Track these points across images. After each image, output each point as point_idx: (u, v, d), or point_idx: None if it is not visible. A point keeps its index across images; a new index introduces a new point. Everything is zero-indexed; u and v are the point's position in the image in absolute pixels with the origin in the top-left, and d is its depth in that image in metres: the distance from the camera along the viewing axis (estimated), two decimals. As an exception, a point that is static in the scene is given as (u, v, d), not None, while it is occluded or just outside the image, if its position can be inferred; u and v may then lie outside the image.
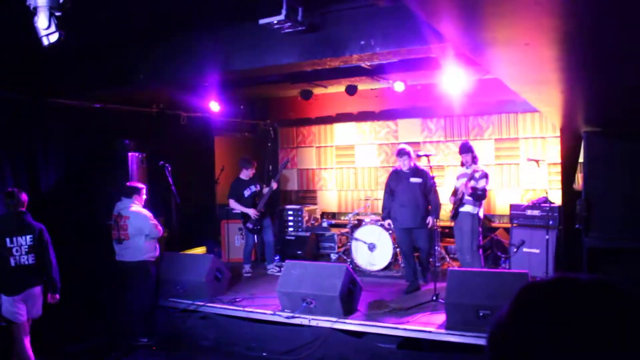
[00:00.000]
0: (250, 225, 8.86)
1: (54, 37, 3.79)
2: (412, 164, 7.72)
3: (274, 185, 8.97)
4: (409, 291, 7.55)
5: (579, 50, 2.31)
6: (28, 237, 5.60)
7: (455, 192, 7.83)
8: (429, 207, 7.73)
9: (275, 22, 5.29)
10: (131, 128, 8.48)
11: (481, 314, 5.65)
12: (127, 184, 7.14)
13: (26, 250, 5.58)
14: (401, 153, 7.71)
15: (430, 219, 7.68)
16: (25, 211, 5.75)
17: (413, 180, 7.68)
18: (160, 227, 6.95)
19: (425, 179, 7.68)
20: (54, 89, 7.37)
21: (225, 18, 6.15)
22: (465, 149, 7.80)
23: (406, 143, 10.91)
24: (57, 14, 3.76)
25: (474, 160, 7.69)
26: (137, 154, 7.94)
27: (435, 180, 7.72)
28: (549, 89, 3.57)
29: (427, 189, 7.70)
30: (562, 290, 0.94)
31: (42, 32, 3.78)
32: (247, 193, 8.89)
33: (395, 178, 7.82)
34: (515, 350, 0.91)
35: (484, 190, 7.49)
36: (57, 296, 5.86)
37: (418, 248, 7.89)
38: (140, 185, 7.12)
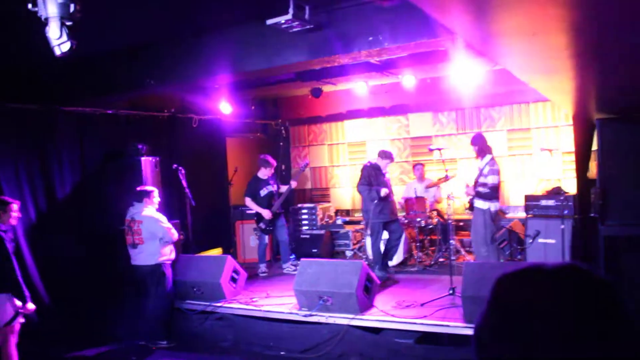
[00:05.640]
0: (262, 226, 8.89)
1: (65, 47, 3.83)
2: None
3: (293, 184, 9.05)
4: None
5: (588, 37, 2.30)
6: None
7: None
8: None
9: (283, 21, 5.30)
10: (143, 132, 8.54)
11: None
12: (137, 188, 7.14)
13: None
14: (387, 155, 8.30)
15: None
16: None
17: (387, 177, 8.36)
18: (174, 231, 6.99)
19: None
20: (66, 96, 7.44)
21: (233, 20, 6.17)
22: (474, 140, 7.73)
23: (418, 137, 10.96)
24: (68, 23, 3.80)
25: (481, 153, 7.58)
26: (150, 158, 7.99)
27: (448, 173, 7.70)
28: (559, 78, 3.56)
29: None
30: (529, 280, 0.95)
31: (54, 42, 3.82)
32: (263, 192, 8.90)
33: (374, 174, 8.20)
34: (491, 343, 0.92)
35: (493, 187, 7.35)
36: (28, 307, 5.56)
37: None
38: (150, 188, 7.15)
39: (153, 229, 6.83)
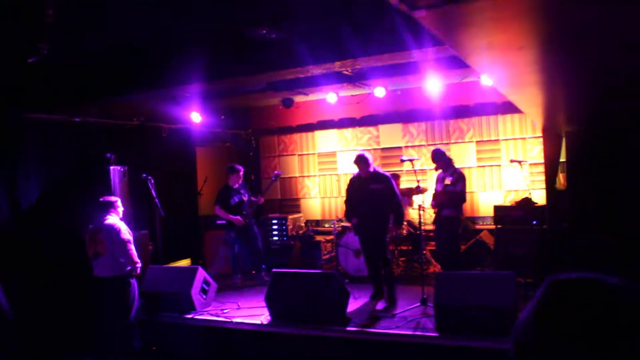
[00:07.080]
0: (232, 235, 8.76)
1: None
2: (371, 170, 7.20)
3: (261, 200, 8.96)
4: (375, 298, 7.39)
5: (568, 52, 2.35)
6: None
7: (435, 196, 7.91)
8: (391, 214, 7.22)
9: (258, 33, 5.31)
10: (112, 141, 8.40)
11: (471, 316, 5.67)
12: (100, 199, 6.87)
13: None
14: (357, 160, 7.23)
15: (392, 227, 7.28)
16: None
17: (373, 186, 7.17)
18: (134, 254, 6.61)
19: (386, 184, 7.19)
20: (33, 103, 7.27)
21: (207, 29, 6.13)
22: (437, 156, 7.85)
23: (388, 148, 11.03)
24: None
25: (448, 164, 7.78)
26: (119, 168, 7.85)
27: (420, 184, 7.71)
28: (535, 90, 3.63)
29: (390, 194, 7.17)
30: (588, 291, 0.94)
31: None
32: (233, 201, 8.78)
33: (351, 185, 7.43)
34: (538, 350, 0.91)
35: (462, 193, 7.56)
36: None
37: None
38: (113, 198, 6.94)
39: (113, 239, 6.52)
